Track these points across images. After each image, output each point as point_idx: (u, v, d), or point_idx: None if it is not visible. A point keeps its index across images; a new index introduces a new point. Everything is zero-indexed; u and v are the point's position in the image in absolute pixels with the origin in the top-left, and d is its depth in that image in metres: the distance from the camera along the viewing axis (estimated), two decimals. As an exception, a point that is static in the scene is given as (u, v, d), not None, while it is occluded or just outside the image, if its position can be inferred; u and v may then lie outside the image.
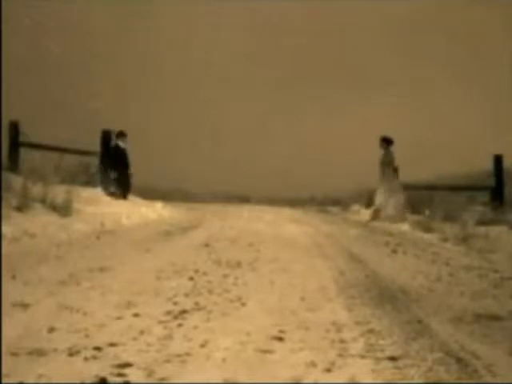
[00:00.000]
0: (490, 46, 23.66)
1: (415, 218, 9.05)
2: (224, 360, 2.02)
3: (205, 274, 3.73)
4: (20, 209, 5.93)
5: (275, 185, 21.83)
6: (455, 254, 5.40)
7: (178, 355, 2.04)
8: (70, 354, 2.01)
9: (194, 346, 2.16)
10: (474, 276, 4.09)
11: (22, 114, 10.11)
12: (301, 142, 26.06)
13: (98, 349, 2.07)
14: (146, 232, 6.60)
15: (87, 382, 1.77)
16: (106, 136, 10.92)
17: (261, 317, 2.64)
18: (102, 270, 3.69)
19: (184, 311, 2.69)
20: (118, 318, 2.52)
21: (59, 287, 3.11)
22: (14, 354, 1.98)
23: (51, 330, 2.30)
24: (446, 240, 6.59)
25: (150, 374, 1.86)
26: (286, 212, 14.33)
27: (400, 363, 2.03)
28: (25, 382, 1.75)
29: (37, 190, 6.54)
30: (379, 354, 2.13)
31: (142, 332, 2.32)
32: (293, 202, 19.82)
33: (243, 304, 2.91)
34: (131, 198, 10.88)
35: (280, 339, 2.29)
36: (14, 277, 3.27)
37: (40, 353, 2.02)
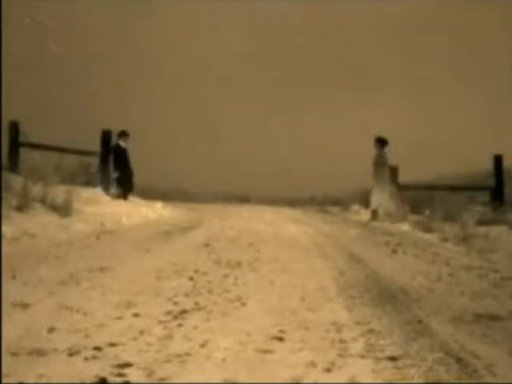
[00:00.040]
0: (489, 45, 23.68)
1: (415, 217, 9.04)
2: (224, 360, 2.02)
3: (205, 273, 3.73)
4: (20, 209, 5.94)
5: (275, 185, 21.85)
6: (455, 254, 5.40)
7: (178, 355, 2.04)
8: (70, 354, 2.01)
9: (193, 346, 2.16)
10: (474, 276, 4.09)
11: (22, 114, 10.12)
12: (301, 142, 26.09)
13: (97, 349, 2.07)
14: (145, 232, 6.60)
15: (87, 382, 1.77)
16: (105, 136, 10.91)
17: (261, 317, 2.64)
18: (101, 269, 3.69)
19: (184, 311, 2.69)
20: (118, 318, 2.52)
21: (59, 287, 3.11)
22: (14, 354, 1.98)
23: (51, 330, 2.30)
24: (446, 240, 6.59)
25: (150, 374, 1.86)
26: (286, 212, 14.34)
27: (400, 363, 2.03)
28: (25, 382, 1.75)
29: (37, 190, 6.54)
30: (379, 354, 2.13)
31: (142, 332, 2.32)
32: (293, 202, 19.83)
33: (243, 304, 2.91)
34: (131, 197, 10.89)
35: (280, 339, 2.29)
36: (14, 277, 3.27)
37: (40, 353, 2.02)
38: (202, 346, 2.17)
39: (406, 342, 2.29)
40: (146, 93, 25.47)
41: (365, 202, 12.19)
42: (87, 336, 2.24)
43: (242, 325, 2.48)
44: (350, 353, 2.14)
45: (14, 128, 9.33)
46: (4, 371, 1.81)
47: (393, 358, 2.08)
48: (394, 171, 11.08)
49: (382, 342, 2.29)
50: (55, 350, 2.05)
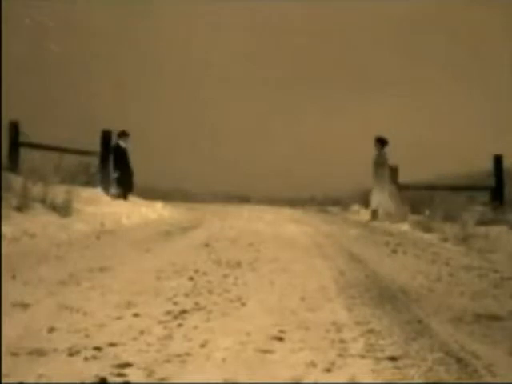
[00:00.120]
0: (490, 45, 23.69)
1: (415, 217, 9.04)
2: (224, 360, 2.02)
3: (205, 273, 3.73)
4: (20, 209, 5.94)
5: (275, 185, 21.85)
6: (455, 254, 5.40)
7: (178, 355, 2.04)
8: (70, 354, 2.01)
9: (193, 345, 2.16)
10: (474, 276, 4.09)
11: (22, 114, 10.12)
12: (301, 142, 26.10)
13: (97, 349, 2.07)
14: (145, 232, 6.60)
15: (87, 382, 1.77)
16: (105, 136, 10.91)
17: (261, 317, 2.64)
18: (101, 269, 3.69)
19: (184, 311, 2.69)
20: (118, 318, 2.52)
21: (59, 287, 3.11)
22: (14, 354, 1.98)
23: (51, 330, 2.30)
24: (446, 240, 6.59)
25: (150, 374, 1.86)
26: (286, 212, 14.33)
27: (400, 363, 2.03)
28: (25, 382, 1.75)
29: (37, 190, 6.54)
30: (379, 354, 2.13)
31: (142, 332, 2.32)
32: (293, 202, 19.83)
33: (243, 304, 2.91)
34: (131, 197, 10.89)
35: (280, 339, 2.29)
36: (14, 277, 3.27)
37: (40, 353, 2.02)
38: (202, 345, 2.17)
39: (406, 342, 2.29)
40: (146, 93, 25.50)
41: (365, 202, 12.19)
42: (87, 336, 2.24)
43: (241, 325, 2.48)
44: (350, 353, 2.14)
45: (14, 128, 9.33)
46: (4, 371, 1.81)
47: (393, 358, 2.08)
48: (393, 171, 11.08)
49: (382, 341, 2.29)
50: (55, 350, 2.05)
